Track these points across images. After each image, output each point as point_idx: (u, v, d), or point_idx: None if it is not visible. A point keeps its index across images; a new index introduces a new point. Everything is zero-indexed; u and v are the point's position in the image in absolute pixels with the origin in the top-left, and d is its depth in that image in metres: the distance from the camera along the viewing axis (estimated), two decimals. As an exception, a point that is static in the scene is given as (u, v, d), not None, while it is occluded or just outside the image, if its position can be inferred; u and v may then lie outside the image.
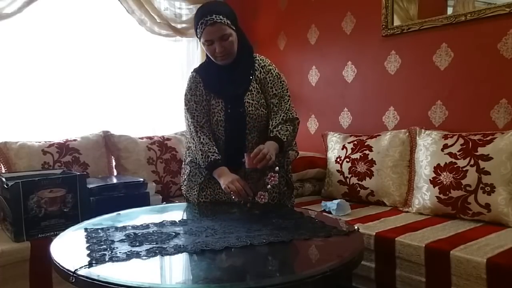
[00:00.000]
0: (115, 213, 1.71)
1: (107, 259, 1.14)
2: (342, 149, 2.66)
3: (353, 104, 2.93)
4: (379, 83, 2.76)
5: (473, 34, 2.30)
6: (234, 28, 1.71)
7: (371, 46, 2.77)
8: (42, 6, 2.65)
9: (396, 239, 1.81)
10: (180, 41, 3.32)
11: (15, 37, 2.64)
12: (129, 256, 1.17)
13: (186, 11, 3.28)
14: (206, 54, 1.80)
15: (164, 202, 2.53)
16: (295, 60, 3.30)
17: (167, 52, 3.29)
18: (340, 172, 2.60)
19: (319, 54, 3.12)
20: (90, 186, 2.12)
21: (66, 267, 1.11)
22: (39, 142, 2.45)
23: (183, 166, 1.99)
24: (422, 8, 2.55)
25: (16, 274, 1.81)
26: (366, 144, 2.55)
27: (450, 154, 2.11)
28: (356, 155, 2.55)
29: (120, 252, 1.19)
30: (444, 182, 2.09)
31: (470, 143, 2.07)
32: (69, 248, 1.31)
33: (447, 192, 2.07)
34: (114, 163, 2.77)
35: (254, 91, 1.78)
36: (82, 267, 1.09)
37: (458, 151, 2.09)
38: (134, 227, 1.47)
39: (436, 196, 2.11)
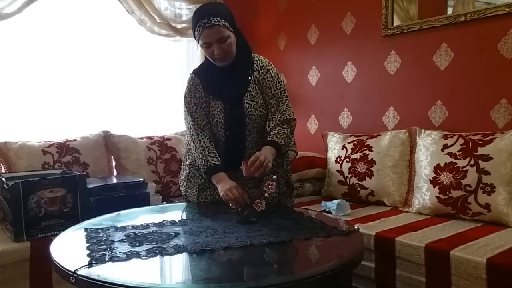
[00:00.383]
0: (115, 213, 1.71)
1: (107, 259, 1.14)
2: (342, 149, 2.66)
3: (353, 104, 2.93)
4: (379, 83, 2.76)
5: (473, 34, 2.30)
6: (232, 30, 1.70)
7: (371, 46, 2.77)
8: (42, 6, 2.65)
9: (396, 239, 1.81)
10: (180, 41, 3.32)
11: (15, 37, 2.64)
12: (129, 256, 1.17)
13: (186, 11, 3.28)
14: (205, 56, 1.80)
15: (164, 202, 2.53)
16: (295, 60, 3.30)
17: (167, 52, 3.30)
18: (340, 172, 2.60)
19: (319, 54, 3.12)
20: (90, 186, 2.12)
21: (66, 267, 1.11)
22: (39, 142, 2.45)
23: (182, 166, 1.99)
24: (422, 8, 2.55)
25: (16, 274, 1.81)
26: (366, 144, 2.55)
27: (450, 154, 2.11)
28: (356, 155, 2.55)
29: (120, 252, 1.19)
30: (444, 182, 2.09)
31: (470, 143, 2.07)
32: (69, 248, 1.31)
33: (447, 192, 2.07)
34: (114, 163, 2.77)
35: (253, 92, 1.78)
36: (82, 267, 1.09)
37: (458, 151, 2.09)
38: (134, 227, 1.47)
39: (436, 196, 2.11)
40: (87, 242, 1.30)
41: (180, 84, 3.20)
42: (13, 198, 1.84)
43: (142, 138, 2.83)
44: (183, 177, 1.94)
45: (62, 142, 2.52)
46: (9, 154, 2.34)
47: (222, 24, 1.65)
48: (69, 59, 2.84)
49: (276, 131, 1.74)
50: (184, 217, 1.72)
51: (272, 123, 1.77)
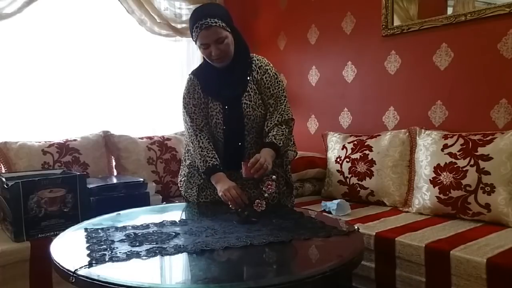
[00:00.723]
0: (115, 213, 1.71)
1: (107, 259, 1.14)
2: (342, 149, 2.66)
3: (353, 104, 2.93)
4: (379, 83, 2.76)
5: (473, 34, 2.30)
6: (229, 30, 1.70)
7: (371, 46, 2.77)
8: (42, 6, 2.65)
9: (396, 239, 1.81)
10: (180, 41, 3.32)
11: (15, 37, 2.64)
12: (129, 256, 1.17)
13: (186, 11, 3.28)
14: (203, 57, 1.80)
15: (164, 202, 2.53)
16: (295, 60, 3.30)
17: (167, 52, 3.29)
18: (340, 172, 2.60)
19: (319, 54, 3.12)
20: (90, 186, 2.12)
21: (66, 267, 1.11)
22: (39, 142, 2.45)
23: (181, 167, 1.99)
24: (422, 8, 2.55)
25: (16, 274, 1.81)
26: (366, 144, 2.55)
27: (450, 154, 2.11)
28: (356, 155, 2.55)
29: (120, 252, 1.19)
30: (444, 182, 2.09)
31: (470, 143, 2.07)
32: (69, 248, 1.31)
33: (447, 192, 2.07)
34: (114, 163, 2.77)
35: (252, 92, 1.78)
36: (82, 267, 1.09)
37: (458, 151, 2.09)
38: (134, 227, 1.47)
39: (436, 196, 2.11)
40: (87, 242, 1.30)
41: (180, 84, 3.20)
42: (13, 198, 1.84)
43: (142, 138, 2.83)
44: (182, 177, 1.95)
45: (62, 142, 2.52)
46: (9, 154, 2.34)
47: (220, 24, 1.65)
48: (69, 59, 2.84)
49: (274, 132, 1.74)
50: (184, 217, 1.72)
51: (271, 123, 1.77)
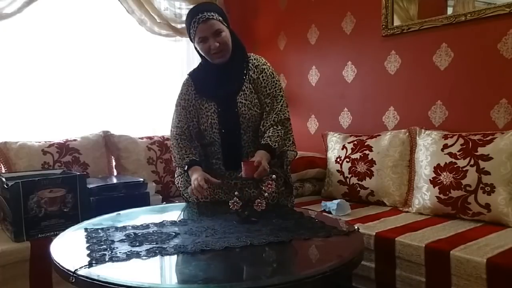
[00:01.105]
0: (115, 213, 1.72)
1: (107, 259, 1.14)
2: (342, 149, 2.66)
3: (353, 104, 2.93)
4: (379, 83, 2.76)
5: (473, 34, 2.30)
6: (226, 25, 1.74)
7: (371, 46, 2.77)
8: (42, 6, 2.65)
9: (396, 239, 1.81)
10: (180, 41, 3.32)
11: (15, 37, 2.64)
12: (129, 256, 1.17)
13: (186, 11, 3.26)
14: (201, 57, 1.81)
15: (164, 202, 2.53)
16: (295, 60, 3.30)
17: (167, 52, 3.29)
18: (340, 172, 2.60)
19: (319, 54, 3.12)
20: (90, 186, 2.12)
21: (66, 267, 1.11)
22: (39, 142, 2.45)
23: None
24: (422, 8, 2.55)
25: (16, 274, 1.81)
26: (366, 144, 2.55)
27: (450, 154, 2.11)
28: (356, 155, 2.55)
29: (120, 252, 1.19)
30: (444, 182, 2.09)
31: (470, 143, 2.07)
32: (69, 248, 1.31)
33: (447, 192, 2.07)
34: (114, 163, 2.77)
35: (247, 91, 1.78)
36: (82, 267, 1.09)
37: (458, 151, 2.09)
38: (134, 227, 1.47)
39: (436, 196, 2.11)
40: (87, 242, 1.30)
41: (180, 84, 3.19)
42: (13, 198, 1.84)
43: (142, 138, 2.83)
44: (177, 176, 1.96)
45: (62, 142, 2.52)
46: (9, 154, 2.34)
47: (216, 18, 1.69)
48: (69, 59, 2.84)
49: (270, 133, 1.74)
50: (184, 217, 1.72)
51: (267, 123, 1.77)
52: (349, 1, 2.88)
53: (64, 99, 2.84)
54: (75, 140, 2.57)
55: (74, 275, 1.07)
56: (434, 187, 2.12)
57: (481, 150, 2.02)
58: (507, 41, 2.18)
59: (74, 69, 2.87)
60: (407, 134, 2.44)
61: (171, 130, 1.92)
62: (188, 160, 1.81)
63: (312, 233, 1.37)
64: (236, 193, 1.54)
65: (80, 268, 1.09)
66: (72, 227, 1.54)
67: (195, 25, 1.68)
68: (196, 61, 3.30)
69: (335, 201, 2.27)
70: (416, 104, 2.57)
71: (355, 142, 2.61)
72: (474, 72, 2.31)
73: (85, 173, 2.44)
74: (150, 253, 1.19)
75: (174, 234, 1.37)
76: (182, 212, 1.84)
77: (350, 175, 2.54)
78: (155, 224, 1.50)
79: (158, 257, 1.18)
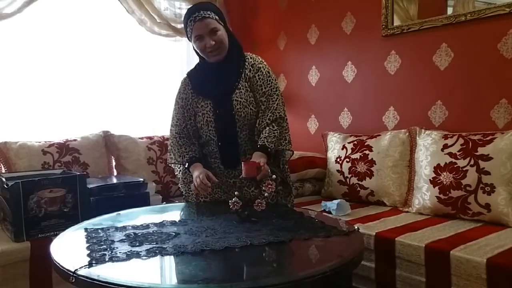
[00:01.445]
0: (115, 213, 1.71)
1: (107, 259, 1.14)
2: (342, 149, 2.66)
3: (353, 104, 2.93)
4: (379, 83, 2.76)
5: (473, 34, 2.30)
6: (222, 25, 1.75)
7: (371, 46, 2.77)
8: (42, 6, 2.65)
9: (396, 239, 1.81)
10: (180, 41, 3.32)
11: (15, 37, 2.64)
12: (129, 256, 1.17)
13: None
14: (198, 56, 1.82)
15: (164, 202, 2.53)
16: (295, 60, 3.30)
17: (167, 52, 3.29)
18: (340, 172, 2.60)
19: (319, 54, 3.12)
20: (90, 186, 2.12)
21: (66, 267, 1.11)
22: (39, 142, 2.45)
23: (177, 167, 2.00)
24: (422, 8, 2.55)
25: (16, 274, 1.81)
26: (366, 144, 2.55)
27: (450, 154, 2.11)
28: (356, 155, 2.55)
29: (120, 252, 1.19)
30: (444, 182, 2.09)
31: (470, 143, 2.07)
32: (69, 248, 1.31)
33: (447, 192, 2.07)
34: (114, 163, 2.77)
35: (243, 89, 1.79)
36: (82, 267, 1.09)
37: (458, 151, 2.09)
38: (134, 227, 1.47)
39: (436, 196, 2.11)
40: (87, 242, 1.30)
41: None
42: (13, 198, 1.84)
43: (142, 138, 2.83)
44: (179, 176, 1.97)
45: (62, 142, 2.52)
46: (9, 154, 2.34)
47: (212, 17, 1.71)
48: (69, 59, 2.84)
49: (266, 134, 1.74)
50: (184, 217, 1.72)
51: (263, 122, 1.78)
52: (349, 1, 2.88)
53: (64, 99, 2.84)
54: (75, 140, 2.57)
55: (74, 275, 1.07)
56: (434, 187, 2.12)
57: (481, 150, 2.02)
58: (507, 41, 2.18)
59: (74, 69, 2.87)
60: (407, 134, 2.44)
61: (170, 129, 1.94)
62: (188, 157, 1.83)
63: (312, 233, 1.37)
64: (236, 193, 1.54)
65: (80, 268, 1.09)
66: (72, 227, 1.53)
67: (192, 23, 1.71)
68: (195, 61, 3.30)
69: (335, 201, 2.27)
70: (416, 104, 2.57)
71: (355, 142, 2.61)
72: (474, 72, 2.31)
73: (85, 173, 2.44)
74: (150, 253, 1.19)
75: (174, 234, 1.37)
76: (182, 212, 1.84)
77: (350, 175, 2.54)
78: (155, 224, 1.50)
79: (158, 257, 1.17)
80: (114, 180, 2.32)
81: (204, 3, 1.77)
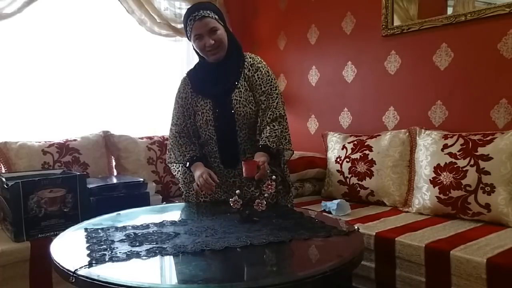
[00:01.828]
0: (115, 213, 1.71)
1: (107, 259, 1.14)
2: (342, 149, 2.66)
3: (353, 104, 2.93)
4: (379, 83, 2.76)
5: (473, 34, 2.30)
6: (222, 24, 1.76)
7: (371, 46, 2.77)
8: (42, 6, 2.65)
9: (396, 239, 1.81)
10: (180, 41, 3.32)
11: (15, 37, 2.64)
12: (129, 256, 1.17)
13: (186, 11, 3.28)
14: (198, 55, 1.83)
15: (164, 202, 2.53)
16: (295, 60, 3.30)
17: (167, 52, 3.29)
18: (340, 172, 2.60)
19: (319, 54, 3.12)
20: (90, 186, 2.12)
21: (66, 267, 1.11)
22: (39, 142, 2.45)
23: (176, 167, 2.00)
24: (422, 8, 2.55)
25: (16, 274, 1.81)
26: (366, 144, 2.55)
27: (450, 154, 2.11)
28: (356, 155, 2.55)
29: (120, 252, 1.19)
30: (444, 182, 2.09)
31: (470, 143, 2.07)
32: (69, 248, 1.31)
33: (447, 192, 2.07)
34: (114, 163, 2.77)
35: (242, 88, 1.79)
36: (82, 267, 1.09)
37: (458, 151, 2.09)
38: (134, 227, 1.47)
39: (436, 196, 2.11)
40: (87, 242, 1.30)
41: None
42: (13, 198, 1.84)
43: (142, 138, 2.83)
44: (177, 175, 1.96)
45: (62, 142, 2.52)
46: (9, 154, 2.34)
47: (212, 16, 1.72)
48: (69, 59, 2.84)
49: (267, 133, 1.74)
50: (184, 217, 1.72)
51: (264, 121, 1.78)
52: (349, 1, 2.88)
53: (64, 99, 2.84)
54: (75, 140, 2.57)
55: (74, 275, 1.07)
56: (434, 187, 2.12)
57: (481, 150, 2.02)
58: (507, 41, 2.18)
59: (74, 69, 2.87)
60: (407, 134, 2.44)
61: (170, 128, 1.94)
62: (189, 156, 1.83)
63: (312, 233, 1.37)
64: (237, 191, 1.54)
65: (80, 268, 1.09)
66: (72, 227, 1.53)
67: (191, 22, 1.72)
68: (195, 61, 3.29)
69: (335, 201, 2.27)
70: (416, 104, 2.57)
71: (355, 142, 2.61)
72: (474, 72, 2.31)
73: (85, 173, 2.44)
74: (150, 253, 1.19)
75: (174, 234, 1.37)
76: (182, 212, 1.84)
77: (350, 175, 2.54)
78: (155, 224, 1.50)
79: (158, 257, 1.18)
80: (114, 180, 2.32)
81: (204, 3, 1.77)
